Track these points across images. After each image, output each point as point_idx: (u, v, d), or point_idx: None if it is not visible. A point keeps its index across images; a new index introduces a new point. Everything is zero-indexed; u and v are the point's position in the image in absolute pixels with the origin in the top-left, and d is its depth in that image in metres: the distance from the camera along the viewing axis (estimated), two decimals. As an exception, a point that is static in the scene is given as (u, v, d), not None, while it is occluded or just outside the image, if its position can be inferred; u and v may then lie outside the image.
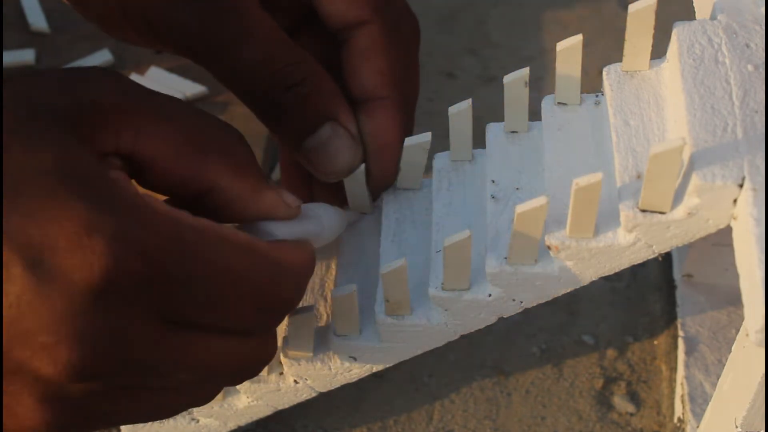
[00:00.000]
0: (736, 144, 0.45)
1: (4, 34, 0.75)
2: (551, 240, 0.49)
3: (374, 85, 0.56)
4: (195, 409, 0.58)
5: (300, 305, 0.57)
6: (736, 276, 0.44)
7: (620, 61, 0.52)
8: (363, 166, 0.57)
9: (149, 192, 0.45)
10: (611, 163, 0.50)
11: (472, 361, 0.64)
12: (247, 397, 0.58)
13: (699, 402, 0.59)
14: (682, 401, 0.60)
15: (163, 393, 0.44)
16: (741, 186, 0.44)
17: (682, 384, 0.61)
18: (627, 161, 0.48)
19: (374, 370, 0.56)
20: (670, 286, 0.67)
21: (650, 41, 0.51)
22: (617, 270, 0.50)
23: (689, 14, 0.53)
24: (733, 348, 0.51)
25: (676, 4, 0.69)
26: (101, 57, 0.74)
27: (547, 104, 0.54)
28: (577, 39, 0.51)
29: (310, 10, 0.58)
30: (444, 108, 0.57)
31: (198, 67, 0.73)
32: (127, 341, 0.41)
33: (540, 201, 0.47)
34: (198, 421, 0.59)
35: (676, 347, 0.64)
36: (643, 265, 0.67)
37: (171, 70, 0.73)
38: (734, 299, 0.64)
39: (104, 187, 0.41)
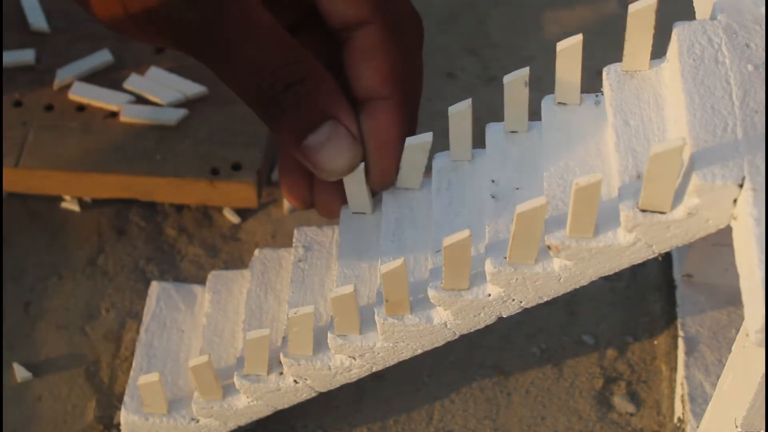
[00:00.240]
0: (736, 144, 0.45)
1: (4, 34, 0.75)
2: (551, 240, 0.49)
3: (375, 85, 0.56)
4: (195, 410, 0.58)
5: (300, 305, 0.57)
6: (736, 276, 0.44)
7: (620, 61, 0.52)
8: (363, 165, 0.57)
9: None
10: (611, 163, 0.50)
11: (472, 361, 0.64)
12: (247, 397, 0.58)
13: (699, 402, 0.59)
14: (682, 401, 0.60)
15: None
16: (741, 186, 0.44)
17: (682, 384, 0.61)
18: (627, 161, 0.48)
19: (374, 370, 0.56)
20: (670, 286, 0.67)
21: (650, 41, 0.51)
22: (617, 270, 0.50)
23: (689, 14, 0.53)
24: (733, 348, 0.51)
25: (676, 4, 0.69)
26: (101, 57, 0.74)
27: (547, 104, 0.54)
28: (577, 39, 0.51)
29: (311, 9, 0.58)
30: (444, 108, 0.57)
31: (198, 67, 0.73)
32: None
33: (540, 201, 0.47)
34: (198, 421, 0.59)
35: (676, 347, 0.64)
36: (643, 265, 0.67)
37: (171, 70, 0.73)
38: (734, 299, 0.64)
39: None
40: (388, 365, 0.56)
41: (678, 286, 0.65)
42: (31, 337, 0.65)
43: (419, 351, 0.55)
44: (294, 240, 0.61)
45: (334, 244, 0.60)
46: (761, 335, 0.42)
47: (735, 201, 0.44)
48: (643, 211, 0.46)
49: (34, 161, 0.69)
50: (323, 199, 0.60)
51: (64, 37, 0.75)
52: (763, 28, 0.49)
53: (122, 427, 0.60)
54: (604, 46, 0.77)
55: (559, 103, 0.54)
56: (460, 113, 0.55)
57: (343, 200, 0.59)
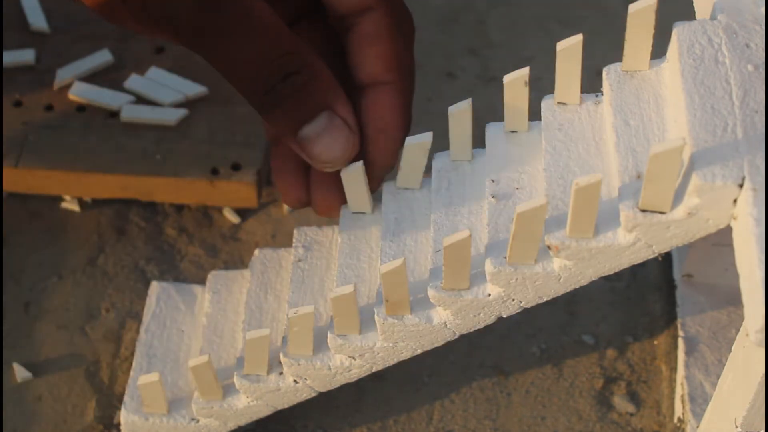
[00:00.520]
0: (736, 144, 0.45)
1: (4, 34, 0.75)
2: (551, 240, 0.48)
3: (378, 70, 0.56)
4: (195, 410, 0.58)
5: (300, 305, 0.57)
6: (736, 276, 0.44)
7: (620, 61, 0.52)
8: (362, 163, 0.57)
9: None
10: (611, 163, 0.50)
11: (472, 361, 0.64)
12: (247, 397, 0.58)
13: (699, 402, 0.59)
14: (682, 401, 0.60)
15: None
16: (741, 186, 0.44)
17: (682, 384, 0.61)
18: (627, 161, 0.48)
19: (374, 370, 0.56)
20: (670, 286, 0.67)
21: (650, 41, 0.51)
22: (617, 270, 0.50)
23: (689, 14, 0.53)
24: (733, 348, 0.51)
25: (676, 4, 0.69)
26: (101, 57, 0.74)
27: (547, 104, 0.54)
28: (577, 39, 0.51)
29: (309, 3, 0.58)
30: (444, 108, 0.57)
31: (198, 67, 0.73)
32: None
33: (540, 201, 0.47)
34: (198, 421, 0.59)
35: (676, 347, 0.64)
36: (643, 265, 0.67)
37: (171, 70, 0.73)
38: (734, 299, 0.64)
39: None
40: (388, 365, 0.56)
41: (678, 286, 0.65)
42: (31, 337, 0.65)
43: (419, 351, 0.55)
44: (294, 240, 0.61)
45: (334, 244, 0.60)
46: (761, 335, 0.42)
47: (735, 201, 0.44)
48: (643, 211, 0.46)
49: (34, 161, 0.69)
50: (320, 197, 0.60)
51: (64, 37, 0.75)
52: (763, 28, 0.49)
53: (122, 427, 0.60)
54: (604, 46, 0.77)
55: (559, 103, 0.54)
56: (460, 113, 0.55)
57: (341, 198, 0.59)
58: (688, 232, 0.47)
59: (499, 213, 0.52)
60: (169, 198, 0.70)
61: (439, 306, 0.53)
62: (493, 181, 0.54)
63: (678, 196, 0.46)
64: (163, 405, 0.59)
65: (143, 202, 0.71)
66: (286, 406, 0.59)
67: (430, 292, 0.52)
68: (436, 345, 0.55)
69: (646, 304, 0.67)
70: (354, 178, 0.57)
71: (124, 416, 0.59)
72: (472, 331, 0.54)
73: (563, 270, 0.50)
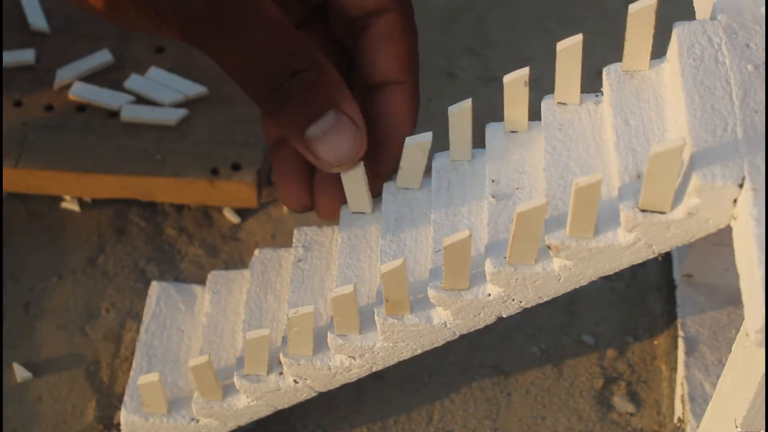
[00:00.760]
0: (736, 144, 0.45)
1: (4, 34, 0.75)
2: (551, 240, 0.48)
3: (392, 70, 0.57)
4: (195, 410, 0.58)
5: (300, 305, 0.57)
6: (736, 276, 0.44)
7: (620, 61, 0.52)
8: (362, 164, 0.57)
9: None
10: (611, 163, 0.50)
11: (472, 361, 0.64)
12: (247, 397, 0.58)
13: (699, 402, 0.59)
14: (682, 401, 0.60)
15: None
16: (741, 186, 0.44)
17: (682, 384, 0.61)
18: (627, 161, 0.48)
19: (374, 370, 0.56)
20: (670, 286, 0.67)
21: (650, 41, 0.51)
22: (617, 270, 0.50)
23: (689, 14, 0.53)
24: (733, 348, 0.51)
25: (676, 4, 0.69)
26: (101, 57, 0.74)
27: (547, 104, 0.54)
28: (577, 39, 0.51)
29: (317, 5, 0.58)
30: (444, 108, 0.57)
31: (198, 67, 0.73)
32: None
33: (540, 201, 0.47)
34: (198, 421, 0.59)
35: (676, 347, 0.64)
36: (643, 265, 0.67)
37: (171, 70, 0.73)
38: (734, 299, 0.64)
39: None
40: (388, 365, 0.56)
41: (678, 286, 0.65)
42: (31, 337, 0.65)
43: (419, 351, 0.55)
44: (294, 240, 0.61)
45: (334, 244, 0.60)
46: (761, 335, 0.42)
47: (735, 201, 0.44)
48: (643, 211, 0.46)
49: (34, 161, 0.69)
50: (324, 201, 0.60)
51: (64, 37, 0.75)
52: (763, 28, 0.49)
53: (122, 427, 0.60)
54: (604, 46, 0.77)
55: (559, 103, 0.54)
56: (460, 113, 0.55)
57: (344, 201, 0.59)
58: (688, 232, 0.47)
59: (499, 213, 0.52)
60: (169, 198, 0.70)
61: (439, 306, 0.53)
62: (493, 181, 0.54)
63: (678, 196, 0.46)
64: (163, 405, 0.59)
65: (143, 202, 0.71)
66: (286, 406, 0.59)
67: (430, 292, 0.52)
68: (436, 345, 0.55)
69: (646, 304, 0.67)
70: (354, 178, 0.57)
71: (124, 416, 0.59)
72: (472, 331, 0.54)
73: (563, 270, 0.50)
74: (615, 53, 0.53)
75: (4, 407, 0.62)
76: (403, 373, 0.63)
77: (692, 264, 0.64)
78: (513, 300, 0.52)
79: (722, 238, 0.57)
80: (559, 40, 0.52)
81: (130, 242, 0.69)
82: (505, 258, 0.50)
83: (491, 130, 0.56)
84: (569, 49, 0.52)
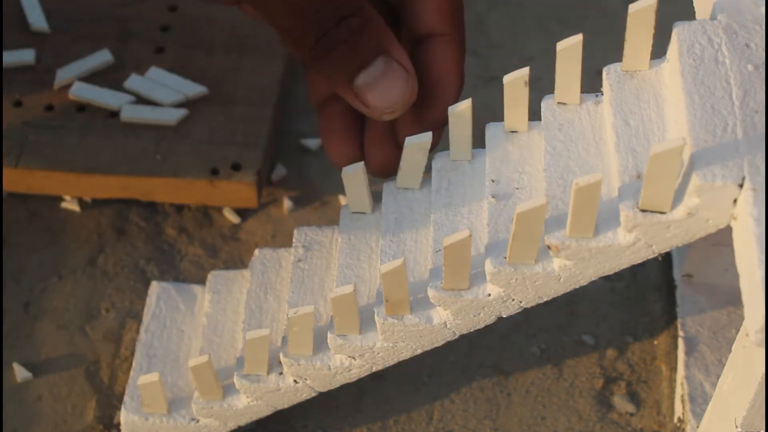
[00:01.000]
0: (736, 144, 0.45)
1: (4, 34, 0.75)
2: (551, 240, 0.48)
3: (437, 22, 0.56)
4: (195, 409, 0.58)
5: (300, 305, 0.57)
6: (736, 276, 0.44)
7: (620, 61, 0.52)
8: (362, 164, 0.57)
9: None
10: (611, 163, 0.50)
11: (472, 361, 0.64)
12: (247, 397, 0.58)
13: (699, 402, 0.59)
14: (682, 401, 0.60)
15: None
16: (741, 186, 0.44)
17: (682, 384, 0.61)
18: (627, 161, 0.48)
19: (374, 370, 0.56)
20: (670, 286, 0.67)
21: (650, 41, 0.51)
22: (617, 270, 0.50)
23: (689, 14, 0.53)
24: (733, 348, 0.51)
25: (676, 4, 0.69)
26: (101, 57, 0.74)
27: (547, 104, 0.54)
28: (577, 39, 0.51)
29: None
30: (444, 108, 0.57)
31: (198, 67, 0.73)
32: None
33: (540, 201, 0.47)
34: (198, 421, 0.59)
35: (676, 347, 0.64)
36: (643, 265, 0.67)
37: (171, 70, 0.73)
38: (734, 299, 0.64)
39: None
40: (388, 365, 0.56)
41: (678, 286, 0.65)
42: (31, 337, 0.65)
43: (419, 351, 0.55)
44: (294, 240, 0.61)
45: (334, 244, 0.60)
46: (761, 335, 0.42)
47: (735, 201, 0.44)
48: (643, 211, 0.46)
49: (34, 161, 0.69)
50: (376, 155, 0.59)
51: (64, 37, 0.75)
52: (763, 28, 0.49)
53: (122, 427, 0.60)
54: (604, 46, 0.77)
55: (559, 103, 0.54)
56: (460, 113, 0.55)
57: (397, 155, 0.58)
58: (688, 232, 0.47)
59: (499, 213, 0.52)
60: (169, 198, 0.70)
61: (439, 306, 0.53)
62: (493, 181, 0.54)
63: (678, 196, 0.46)
64: (163, 405, 0.59)
65: (143, 202, 0.71)
66: (286, 406, 0.59)
67: (430, 292, 0.52)
68: (436, 345, 0.55)
69: (646, 304, 0.67)
70: (354, 178, 0.57)
71: (124, 416, 0.59)
72: (472, 331, 0.54)
73: (563, 270, 0.50)
74: (615, 53, 0.53)
75: (4, 407, 0.62)
76: (403, 373, 0.63)
77: (692, 264, 0.64)
78: (513, 300, 0.52)
79: (722, 238, 0.57)
80: (559, 40, 0.52)
81: (130, 242, 0.69)
82: (505, 258, 0.50)
83: (491, 130, 0.56)
84: (569, 49, 0.52)
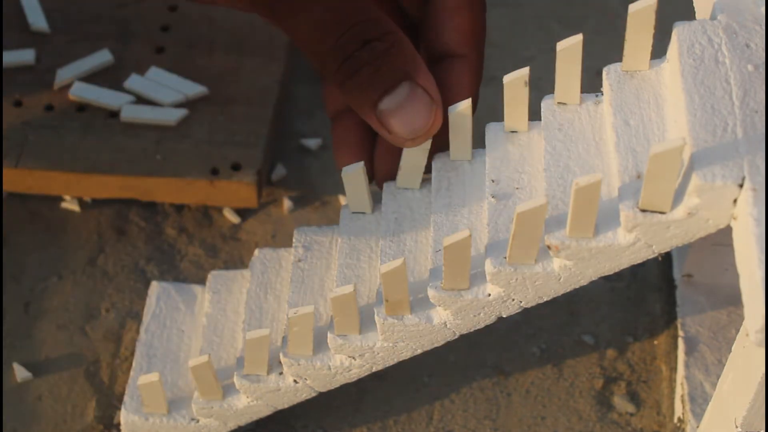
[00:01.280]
0: (736, 144, 0.45)
1: (4, 34, 0.75)
2: (551, 240, 0.48)
3: (456, 42, 0.55)
4: (195, 410, 0.58)
5: (300, 305, 0.57)
6: (736, 276, 0.44)
7: (620, 61, 0.52)
8: (362, 164, 0.57)
9: None
10: (611, 163, 0.50)
11: (472, 361, 0.64)
12: (247, 397, 0.58)
13: (699, 402, 0.59)
14: (682, 401, 0.60)
15: None
16: (741, 186, 0.44)
17: (682, 384, 0.61)
18: (627, 161, 0.48)
19: (374, 370, 0.56)
20: (670, 286, 0.67)
21: (650, 41, 0.51)
22: (617, 270, 0.50)
23: (689, 14, 0.53)
24: (733, 348, 0.51)
25: (676, 4, 0.69)
26: (101, 57, 0.74)
27: (547, 104, 0.54)
28: (577, 39, 0.51)
29: None
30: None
31: (198, 67, 0.73)
32: None
33: (540, 201, 0.47)
34: (198, 421, 0.59)
35: (676, 347, 0.64)
36: (643, 265, 0.67)
37: (171, 70, 0.73)
38: (734, 299, 0.64)
39: None
40: (388, 365, 0.56)
41: (678, 286, 0.65)
42: (31, 337, 0.65)
43: (419, 351, 0.55)
44: (294, 240, 0.61)
45: (334, 244, 0.60)
46: (761, 335, 0.42)
47: (735, 201, 0.44)
48: (643, 211, 0.46)
49: (34, 161, 0.69)
50: (384, 168, 0.58)
51: (64, 37, 0.75)
52: (763, 28, 0.49)
53: (122, 427, 0.60)
54: (604, 46, 0.77)
55: (559, 103, 0.54)
56: (460, 113, 0.55)
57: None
58: (688, 232, 0.47)
59: (499, 213, 0.52)
60: (169, 198, 0.70)
61: (439, 306, 0.53)
62: (493, 181, 0.54)
63: (678, 196, 0.46)
64: (163, 405, 0.59)
65: (143, 202, 0.71)
66: (286, 406, 0.59)
67: (430, 292, 0.52)
68: (436, 345, 0.55)
69: (646, 304, 0.67)
70: (354, 178, 0.57)
71: (124, 416, 0.59)
72: (472, 331, 0.54)
73: (563, 270, 0.50)
74: (615, 53, 0.53)
75: (4, 407, 0.62)
76: (403, 373, 0.63)
77: (692, 264, 0.64)
78: (513, 300, 0.52)
79: (722, 238, 0.57)
80: (559, 40, 0.52)
81: (130, 242, 0.69)
82: (505, 258, 0.50)
83: (491, 130, 0.56)
84: (569, 49, 0.52)
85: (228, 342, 0.61)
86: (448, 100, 0.56)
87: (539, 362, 0.64)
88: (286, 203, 0.71)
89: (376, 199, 0.59)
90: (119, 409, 0.62)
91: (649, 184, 0.45)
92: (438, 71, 0.56)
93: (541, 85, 0.73)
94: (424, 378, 0.64)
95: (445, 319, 0.53)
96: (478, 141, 0.57)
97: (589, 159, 0.51)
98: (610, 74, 0.52)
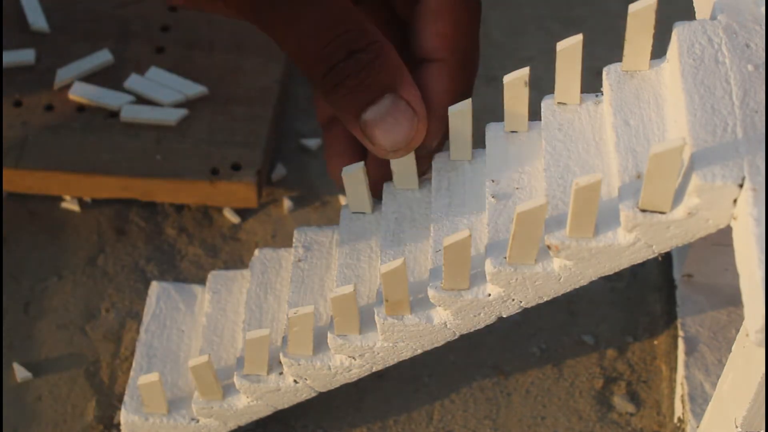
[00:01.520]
0: (736, 144, 0.45)
1: (4, 34, 0.75)
2: (551, 240, 0.48)
3: (434, 47, 0.55)
4: (195, 410, 0.58)
5: (300, 305, 0.57)
6: (736, 276, 0.44)
7: (620, 61, 0.52)
8: (362, 164, 0.57)
9: None
10: (611, 163, 0.50)
11: (472, 361, 0.64)
12: (247, 397, 0.58)
13: (699, 402, 0.59)
14: (682, 401, 0.60)
15: None
16: (741, 186, 0.44)
17: (682, 384, 0.61)
18: (627, 161, 0.48)
19: (374, 370, 0.56)
20: (670, 286, 0.67)
21: (650, 41, 0.51)
22: (617, 270, 0.50)
23: (689, 14, 0.53)
24: (733, 348, 0.51)
25: (676, 4, 0.69)
26: (101, 57, 0.74)
27: (547, 104, 0.54)
28: (577, 39, 0.51)
29: None
30: (444, 108, 0.57)
31: (198, 67, 0.73)
32: None
33: (540, 201, 0.47)
34: (198, 421, 0.59)
35: (676, 347, 0.64)
36: (643, 265, 0.67)
37: (171, 70, 0.73)
38: (734, 299, 0.64)
39: None
40: (388, 365, 0.56)
41: (678, 286, 0.65)
42: (31, 337, 0.65)
43: (419, 351, 0.55)
44: (294, 240, 0.61)
45: (334, 244, 0.60)
46: (761, 335, 0.42)
47: (735, 201, 0.44)
48: (643, 211, 0.46)
49: (34, 161, 0.69)
50: (375, 174, 0.58)
51: (64, 37, 0.75)
52: (763, 28, 0.49)
53: (122, 427, 0.60)
54: (604, 46, 0.77)
55: (559, 103, 0.54)
56: (460, 113, 0.55)
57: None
58: (688, 232, 0.47)
59: (499, 213, 0.52)
60: (169, 198, 0.70)
61: (439, 306, 0.53)
62: (493, 181, 0.54)
63: (678, 196, 0.46)
64: (163, 405, 0.59)
65: (143, 202, 0.71)
66: (286, 406, 0.59)
67: (430, 292, 0.52)
68: (436, 345, 0.55)
69: (646, 304, 0.67)
70: (354, 178, 0.57)
71: (124, 416, 0.59)
72: (472, 331, 0.54)
73: (563, 270, 0.50)
74: (615, 53, 0.53)
75: (4, 407, 0.62)
76: (403, 373, 0.63)
77: (692, 264, 0.64)
78: (513, 300, 0.52)
79: (722, 238, 0.57)
80: (559, 40, 0.52)
81: (130, 242, 0.69)
82: (505, 258, 0.50)
83: (491, 130, 0.56)
84: (569, 49, 0.52)
85: (228, 342, 0.61)
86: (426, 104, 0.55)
87: (539, 362, 0.64)
88: (286, 203, 0.71)
89: (376, 199, 0.59)
90: (119, 409, 0.62)
91: (649, 184, 0.45)
92: (417, 76, 0.55)
93: (541, 85, 0.73)
94: (424, 378, 0.64)
95: (445, 319, 0.53)
96: (478, 141, 0.57)
97: (589, 159, 0.51)
98: (610, 74, 0.52)
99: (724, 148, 0.45)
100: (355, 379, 0.57)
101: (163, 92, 0.72)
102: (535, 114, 0.55)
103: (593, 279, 0.51)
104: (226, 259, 0.69)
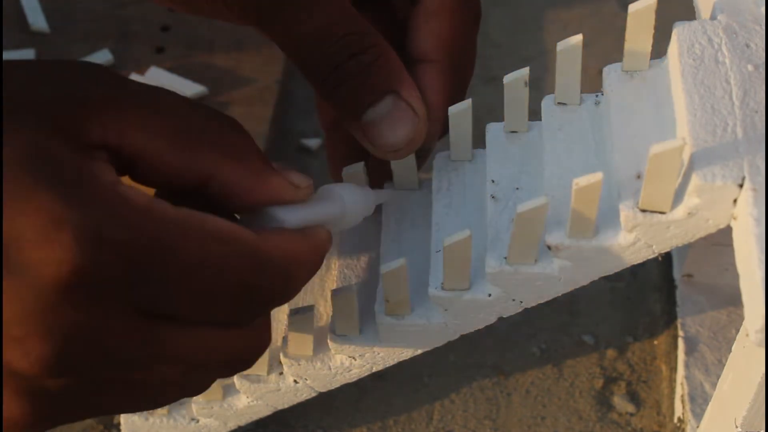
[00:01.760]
0: (736, 144, 0.45)
1: (4, 34, 0.75)
2: (551, 240, 0.48)
3: (429, 48, 0.55)
4: (195, 410, 0.58)
5: (300, 305, 0.57)
6: (736, 276, 0.44)
7: (620, 61, 0.52)
8: (362, 164, 0.57)
9: (136, 185, 0.44)
10: (611, 163, 0.50)
11: (472, 361, 0.64)
12: (247, 397, 0.58)
13: (699, 402, 0.59)
14: (682, 401, 0.60)
15: (148, 385, 0.44)
16: (741, 186, 0.44)
17: (682, 384, 0.61)
18: (627, 161, 0.48)
19: (374, 370, 0.56)
20: (670, 286, 0.67)
21: (650, 41, 0.51)
22: (617, 270, 0.50)
23: (689, 14, 0.53)
24: (733, 348, 0.51)
25: (676, 4, 0.69)
26: (101, 57, 0.74)
27: (547, 104, 0.54)
28: (577, 39, 0.51)
29: None
30: (444, 108, 0.57)
31: (198, 67, 0.73)
32: (101, 335, 0.40)
33: (540, 201, 0.47)
34: (198, 421, 0.59)
35: (676, 347, 0.64)
36: (643, 265, 0.67)
37: (171, 70, 0.73)
38: (734, 299, 0.64)
39: (77, 179, 0.40)
40: (388, 365, 0.56)
41: (678, 286, 0.65)
42: (31, 337, 0.65)
43: (419, 351, 0.55)
44: (294, 240, 0.61)
45: (334, 244, 0.60)
46: (761, 335, 0.42)
47: (735, 201, 0.44)
48: (643, 211, 0.46)
49: (34, 161, 0.69)
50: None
51: (64, 37, 0.75)
52: (763, 28, 0.49)
53: (122, 427, 0.60)
54: (604, 46, 0.77)
55: (559, 103, 0.54)
56: (460, 113, 0.55)
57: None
58: (688, 232, 0.47)
59: (499, 213, 0.52)
60: (169, 198, 0.69)
61: (440, 306, 0.53)
62: (493, 181, 0.54)
63: (678, 196, 0.46)
64: (163, 405, 0.59)
65: (143, 202, 0.71)
66: (286, 406, 0.59)
67: (431, 293, 0.52)
68: (436, 345, 0.55)
69: (646, 304, 0.67)
70: (354, 178, 0.57)
71: (124, 416, 0.59)
72: (472, 331, 0.54)
73: (563, 270, 0.50)
74: (615, 53, 0.53)
75: (4, 407, 0.62)
76: (403, 373, 0.63)
77: (692, 264, 0.64)
78: (513, 300, 0.52)
79: (722, 238, 0.57)
80: (559, 40, 0.52)
81: (130, 242, 0.69)
82: (505, 258, 0.50)
83: (491, 130, 0.56)
84: (569, 49, 0.52)
85: (228, 342, 0.61)
86: None
87: (539, 362, 0.64)
88: (286, 203, 0.71)
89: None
90: (119, 409, 0.62)
91: (649, 184, 0.45)
92: (411, 76, 0.55)
93: (541, 85, 0.73)
94: (424, 378, 0.64)
95: (445, 319, 0.53)
96: (478, 141, 0.57)
97: (589, 159, 0.51)
98: (610, 74, 0.52)
99: (724, 148, 0.45)
100: (355, 379, 0.57)
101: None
102: (535, 114, 0.55)
103: (593, 279, 0.51)
104: (226, 259, 0.69)
